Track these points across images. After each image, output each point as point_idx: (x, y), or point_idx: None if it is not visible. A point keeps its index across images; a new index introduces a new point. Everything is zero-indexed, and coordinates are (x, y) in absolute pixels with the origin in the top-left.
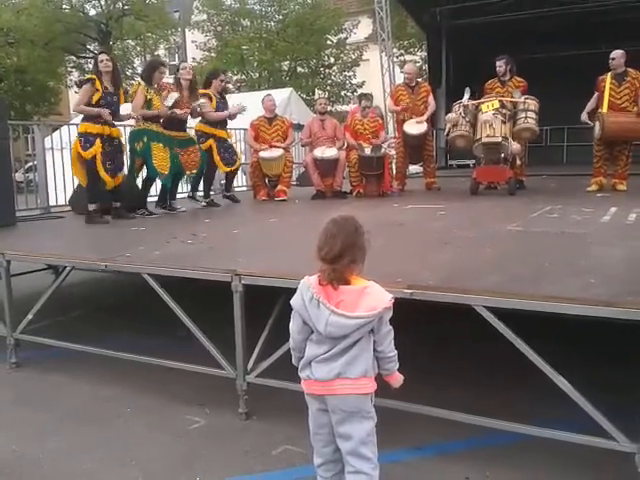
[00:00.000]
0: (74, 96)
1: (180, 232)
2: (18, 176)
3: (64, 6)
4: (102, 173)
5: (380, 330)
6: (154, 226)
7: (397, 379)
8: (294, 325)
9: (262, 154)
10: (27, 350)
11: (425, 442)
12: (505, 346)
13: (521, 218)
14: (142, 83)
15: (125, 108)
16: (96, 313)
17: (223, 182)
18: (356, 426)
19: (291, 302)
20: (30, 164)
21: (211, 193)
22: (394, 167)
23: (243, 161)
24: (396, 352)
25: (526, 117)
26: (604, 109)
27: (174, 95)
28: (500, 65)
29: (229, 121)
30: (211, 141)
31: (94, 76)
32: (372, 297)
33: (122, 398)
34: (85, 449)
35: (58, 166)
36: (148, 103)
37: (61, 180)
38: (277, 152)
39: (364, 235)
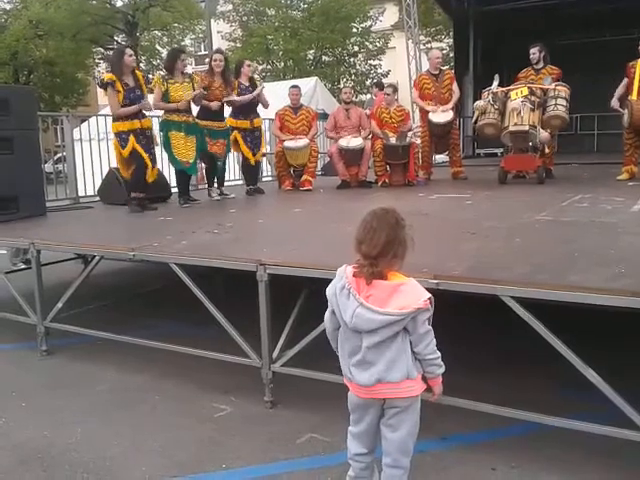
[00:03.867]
0: (102, 93)
1: (206, 222)
2: (47, 167)
3: None
4: (148, 161)
5: (416, 330)
6: (180, 216)
7: (439, 388)
8: (327, 312)
9: (287, 144)
10: (57, 338)
11: (450, 432)
12: (527, 336)
13: (550, 207)
14: (159, 75)
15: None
16: (124, 302)
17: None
18: (407, 422)
19: (327, 289)
20: (59, 155)
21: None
22: (420, 156)
23: (268, 151)
24: (439, 354)
25: (556, 104)
26: (634, 96)
27: (189, 93)
28: (534, 52)
29: (264, 109)
30: (235, 133)
31: (113, 77)
32: (405, 295)
33: (150, 385)
34: (114, 436)
35: (87, 157)
36: (165, 95)
37: (90, 171)
38: (302, 142)
39: (405, 228)
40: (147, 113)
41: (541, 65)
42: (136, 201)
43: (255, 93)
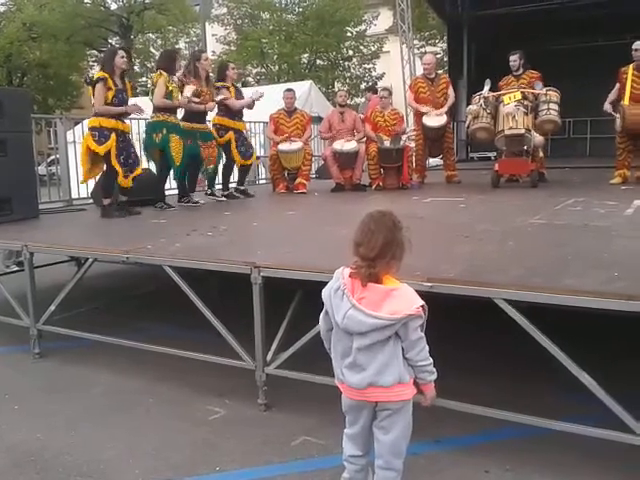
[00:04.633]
0: (92, 93)
1: (200, 225)
2: (41, 169)
3: (85, 1)
4: (117, 167)
5: (407, 337)
6: (174, 219)
7: (431, 393)
8: (322, 313)
9: (281, 147)
10: (50, 341)
11: (444, 435)
12: (520, 338)
13: (543, 211)
14: (164, 74)
15: (132, 102)
16: (117, 304)
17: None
18: (399, 424)
19: (323, 290)
20: (53, 157)
21: (230, 186)
22: (414, 160)
23: (262, 154)
24: (430, 361)
25: (548, 109)
26: (626, 101)
27: (191, 87)
28: (514, 60)
29: (247, 111)
30: (230, 134)
31: (105, 74)
32: (397, 301)
33: (144, 388)
34: (107, 438)
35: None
36: (169, 94)
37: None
38: (296, 145)
39: (402, 230)
40: (134, 115)
41: (520, 71)
42: (112, 207)
43: (255, 97)
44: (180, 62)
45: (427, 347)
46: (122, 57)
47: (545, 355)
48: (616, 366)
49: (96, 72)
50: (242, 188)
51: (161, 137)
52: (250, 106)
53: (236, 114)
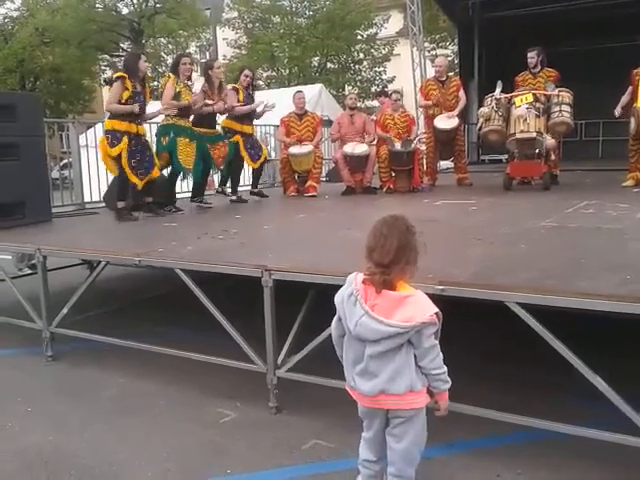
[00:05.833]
0: (107, 94)
1: (211, 228)
2: (53, 173)
3: (97, 5)
4: (127, 170)
5: (421, 344)
6: (186, 222)
7: (445, 402)
8: (334, 319)
9: (291, 150)
10: (62, 343)
11: (456, 438)
12: (522, 338)
13: (556, 214)
14: (172, 76)
15: (151, 106)
16: (128, 307)
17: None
18: (411, 432)
19: (335, 296)
20: (65, 161)
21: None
22: (424, 162)
23: (273, 157)
24: (444, 369)
25: (560, 110)
26: (638, 104)
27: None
28: (532, 57)
29: (256, 119)
30: (238, 137)
31: (124, 74)
32: (411, 308)
33: (155, 391)
34: (119, 441)
35: (92, 163)
36: (177, 96)
37: (95, 177)
38: (306, 148)
39: (415, 235)
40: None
41: (538, 69)
42: (126, 210)
43: (254, 106)
44: (185, 62)
45: (441, 355)
46: (145, 61)
47: (549, 356)
48: (624, 368)
49: (111, 74)
50: (255, 191)
51: (168, 140)
52: (258, 115)
53: (244, 118)
